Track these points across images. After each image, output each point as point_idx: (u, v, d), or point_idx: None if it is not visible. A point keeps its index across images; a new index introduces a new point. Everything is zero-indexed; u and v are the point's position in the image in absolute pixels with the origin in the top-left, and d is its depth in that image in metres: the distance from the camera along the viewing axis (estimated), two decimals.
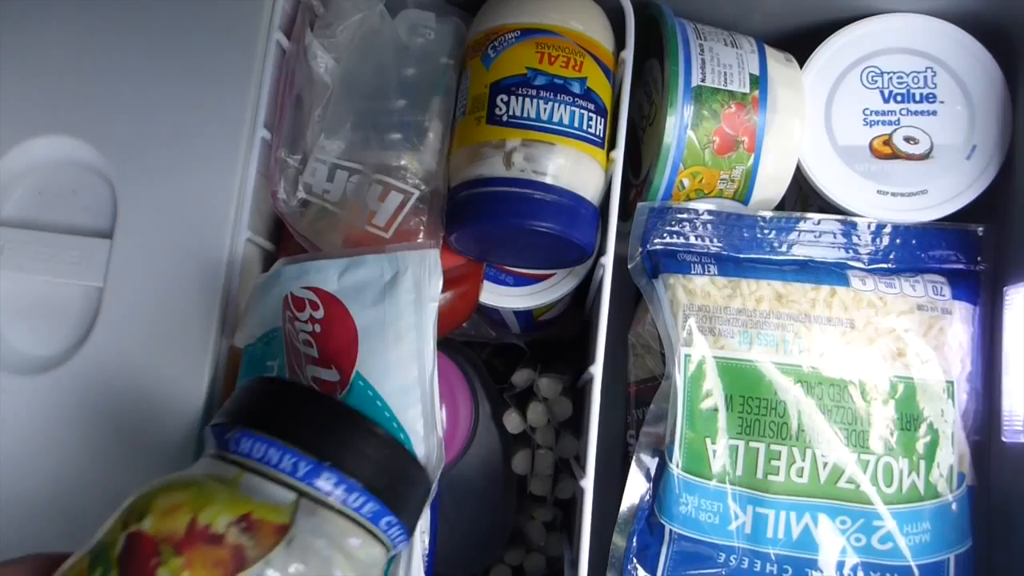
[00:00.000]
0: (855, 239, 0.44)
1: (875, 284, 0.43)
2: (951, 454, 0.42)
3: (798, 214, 0.44)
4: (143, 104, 0.43)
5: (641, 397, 0.50)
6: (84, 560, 0.25)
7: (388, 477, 0.29)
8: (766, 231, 0.44)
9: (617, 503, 0.43)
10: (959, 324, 0.43)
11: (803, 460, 0.41)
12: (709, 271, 0.43)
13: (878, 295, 0.43)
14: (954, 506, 0.41)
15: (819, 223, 0.44)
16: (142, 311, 0.41)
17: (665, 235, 0.44)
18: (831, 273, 0.43)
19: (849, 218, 0.44)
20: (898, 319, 0.42)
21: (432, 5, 0.48)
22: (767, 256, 0.44)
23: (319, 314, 0.37)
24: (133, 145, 0.43)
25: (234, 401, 0.30)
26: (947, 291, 0.43)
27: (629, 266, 0.45)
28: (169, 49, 0.43)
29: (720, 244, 0.44)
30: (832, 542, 0.41)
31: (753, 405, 0.42)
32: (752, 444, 0.41)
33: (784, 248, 0.44)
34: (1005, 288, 0.44)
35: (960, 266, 0.44)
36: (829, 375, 0.42)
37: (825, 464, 0.41)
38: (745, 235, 0.44)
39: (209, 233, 0.42)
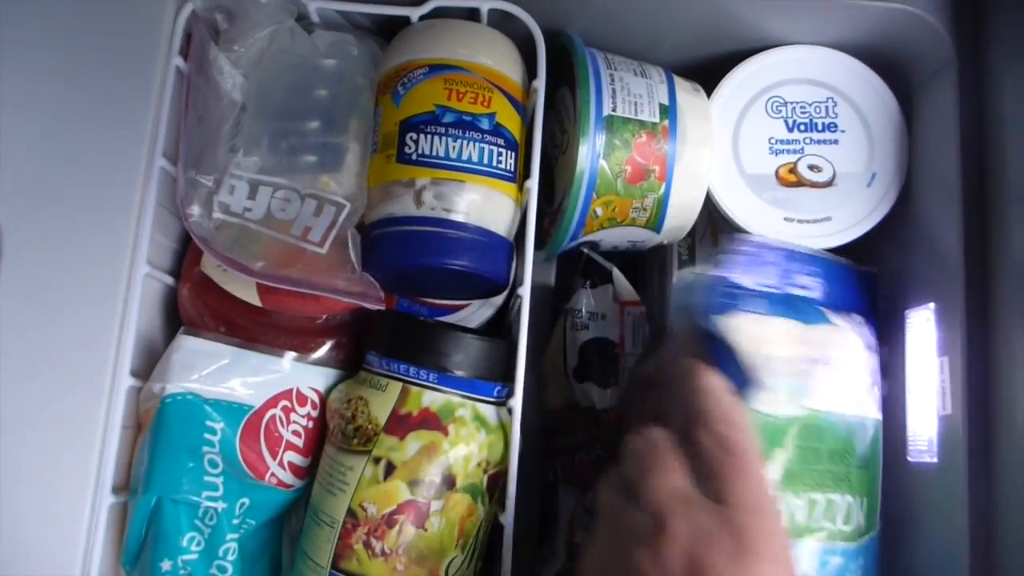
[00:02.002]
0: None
1: (845, 322, 0.44)
2: (881, 486, 0.44)
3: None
4: (33, 139, 0.42)
5: (557, 425, 0.51)
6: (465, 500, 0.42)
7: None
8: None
9: (533, 531, 0.43)
10: (867, 353, 0.45)
11: None
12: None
13: (844, 332, 0.44)
14: (878, 538, 0.43)
15: None
16: (34, 352, 0.40)
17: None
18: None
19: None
20: (856, 356, 0.44)
21: (340, 29, 0.48)
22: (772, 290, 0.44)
23: (316, 413, 0.45)
24: (22, 182, 0.42)
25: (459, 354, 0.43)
26: (861, 324, 0.45)
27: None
28: (61, 81, 0.43)
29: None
30: None
31: None
32: None
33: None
34: (906, 311, 0.46)
35: (866, 303, 0.46)
36: (799, 415, 0.42)
37: (799, 506, 0.41)
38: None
39: (104, 269, 0.42)
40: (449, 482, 0.41)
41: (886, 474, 0.46)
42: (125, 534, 0.41)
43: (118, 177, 0.42)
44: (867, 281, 0.48)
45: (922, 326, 0.45)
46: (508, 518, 0.41)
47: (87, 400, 0.40)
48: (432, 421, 0.41)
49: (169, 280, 0.46)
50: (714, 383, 0.36)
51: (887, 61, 0.48)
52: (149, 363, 0.43)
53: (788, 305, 0.43)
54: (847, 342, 0.44)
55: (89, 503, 0.40)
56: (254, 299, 0.44)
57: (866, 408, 0.44)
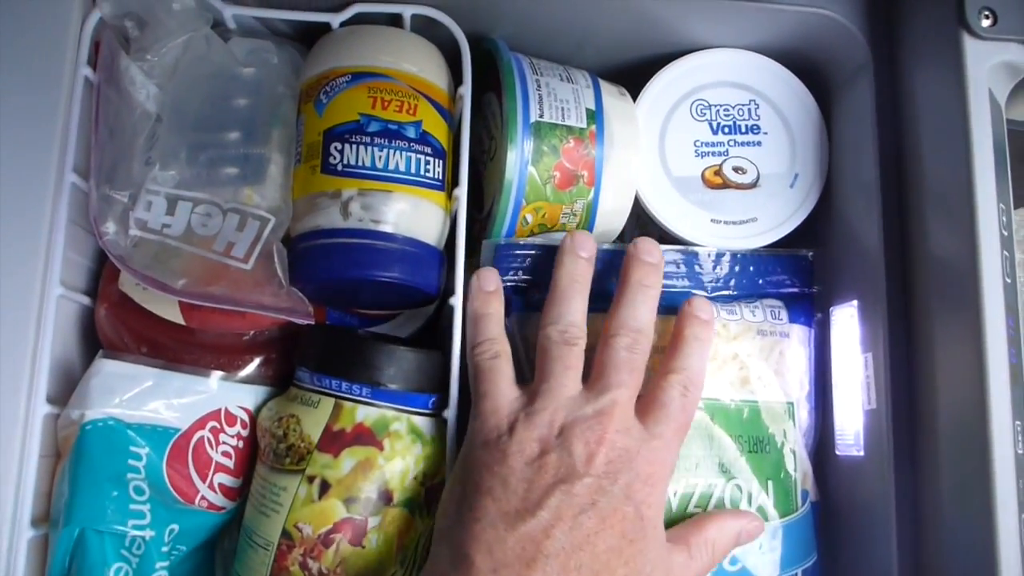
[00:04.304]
0: (697, 268, 0.47)
1: (717, 311, 0.45)
2: (795, 473, 0.44)
3: None
4: None
5: None
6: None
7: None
8: (613, 264, 0.45)
9: None
10: (797, 346, 0.46)
11: None
12: None
13: (721, 322, 0.45)
14: (800, 523, 0.44)
15: (663, 254, 0.46)
16: None
17: (513, 272, 0.45)
18: (676, 303, 0.45)
19: (690, 248, 0.46)
20: (740, 345, 0.45)
21: (258, 36, 0.47)
22: (614, 289, 0.45)
23: (246, 432, 0.44)
24: None
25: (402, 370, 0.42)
26: (784, 315, 0.46)
27: None
28: None
29: None
30: None
31: None
32: None
33: None
34: (831, 308, 0.47)
35: (795, 290, 0.47)
36: None
37: (675, 492, 0.42)
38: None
39: (15, 291, 0.40)
40: (386, 497, 0.41)
41: (818, 466, 0.47)
42: (47, 568, 0.40)
43: (26, 194, 0.40)
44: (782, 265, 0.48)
45: (846, 323, 0.46)
46: None
47: (1, 429, 0.38)
48: (366, 436, 0.41)
49: (85, 300, 0.44)
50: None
51: (806, 64, 0.49)
52: (67, 389, 0.42)
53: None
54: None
55: (7, 536, 0.38)
56: (177, 317, 0.43)
57: (757, 392, 0.45)
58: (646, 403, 0.40)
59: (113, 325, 0.44)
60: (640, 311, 0.42)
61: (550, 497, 0.36)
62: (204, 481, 0.43)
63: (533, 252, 0.45)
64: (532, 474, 0.37)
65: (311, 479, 0.40)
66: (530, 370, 0.43)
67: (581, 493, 0.36)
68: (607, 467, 0.37)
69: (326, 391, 0.42)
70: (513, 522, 0.36)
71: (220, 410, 0.43)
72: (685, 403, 0.41)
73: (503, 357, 0.41)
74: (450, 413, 0.42)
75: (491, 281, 0.43)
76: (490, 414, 0.40)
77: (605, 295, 0.44)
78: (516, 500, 0.36)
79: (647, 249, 0.43)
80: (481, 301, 0.43)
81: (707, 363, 0.42)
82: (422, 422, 0.42)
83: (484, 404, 0.40)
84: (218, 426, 0.43)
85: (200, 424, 0.43)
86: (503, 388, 0.40)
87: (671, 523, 0.42)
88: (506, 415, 0.39)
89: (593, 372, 0.41)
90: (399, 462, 0.41)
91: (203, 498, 0.42)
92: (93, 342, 0.44)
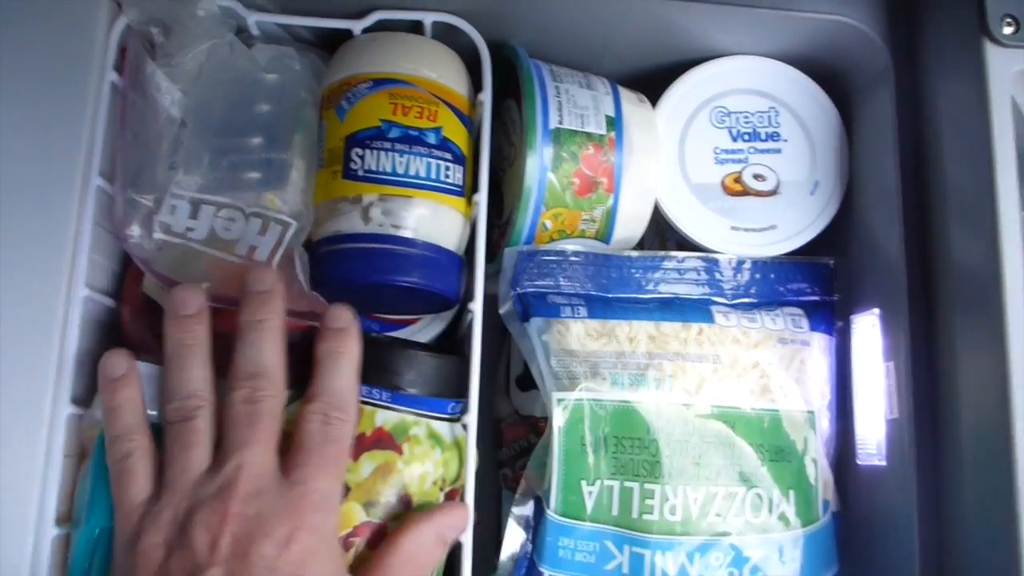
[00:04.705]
0: (717, 275, 0.47)
1: (738, 319, 0.45)
2: (816, 482, 0.44)
3: (663, 253, 0.47)
4: None
5: (511, 433, 0.51)
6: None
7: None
8: (633, 270, 0.46)
9: (491, 541, 0.43)
10: (818, 355, 0.46)
11: (675, 498, 0.42)
12: (579, 313, 0.44)
13: (741, 330, 0.45)
14: (821, 533, 0.44)
15: (683, 260, 0.47)
16: None
17: (535, 278, 0.45)
18: (696, 310, 0.45)
19: (711, 255, 0.46)
20: (761, 353, 0.45)
21: (280, 43, 0.47)
22: (635, 295, 0.46)
23: None
24: None
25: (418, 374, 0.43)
26: (805, 323, 0.46)
27: (501, 311, 0.45)
28: None
29: (589, 285, 0.45)
30: None
31: (627, 445, 0.43)
32: (627, 484, 0.43)
33: (651, 286, 0.46)
34: (851, 316, 0.47)
35: (815, 298, 0.47)
36: (700, 412, 0.44)
37: (696, 500, 0.42)
38: (613, 275, 0.46)
39: (41, 293, 0.40)
40: (405, 502, 0.41)
41: (839, 476, 0.47)
42: (68, 565, 0.40)
43: (53, 197, 0.41)
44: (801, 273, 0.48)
45: (867, 331, 0.46)
46: (467, 536, 0.41)
47: (27, 429, 0.39)
48: (386, 440, 0.41)
49: (109, 302, 0.45)
50: None
51: (827, 71, 0.49)
52: (91, 389, 0.42)
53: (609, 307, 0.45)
54: (730, 338, 0.45)
55: (32, 535, 0.38)
56: None
57: (778, 401, 0.45)
58: (288, 447, 0.37)
59: (137, 327, 0.44)
60: (252, 352, 0.38)
61: None
62: None
63: (554, 258, 0.45)
64: None
65: None
66: (550, 375, 0.43)
67: None
68: (234, 548, 0.34)
69: None
70: None
71: None
72: (329, 432, 0.37)
73: (136, 455, 0.38)
74: (470, 418, 0.43)
75: (119, 365, 0.39)
76: (123, 521, 0.37)
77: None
78: None
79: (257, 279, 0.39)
80: (109, 392, 0.39)
81: (356, 375, 0.39)
82: (441, 427, 0.42)
83: (117, 510, 0.37)
84: None
85: None
86: (133, 491, 0.37)
87: (695, 532, 0.42)
88: (135, 521, 0.36)
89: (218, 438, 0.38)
90: (418, 467, 0.41)
91: None
92: (117, 343, 0.44)
